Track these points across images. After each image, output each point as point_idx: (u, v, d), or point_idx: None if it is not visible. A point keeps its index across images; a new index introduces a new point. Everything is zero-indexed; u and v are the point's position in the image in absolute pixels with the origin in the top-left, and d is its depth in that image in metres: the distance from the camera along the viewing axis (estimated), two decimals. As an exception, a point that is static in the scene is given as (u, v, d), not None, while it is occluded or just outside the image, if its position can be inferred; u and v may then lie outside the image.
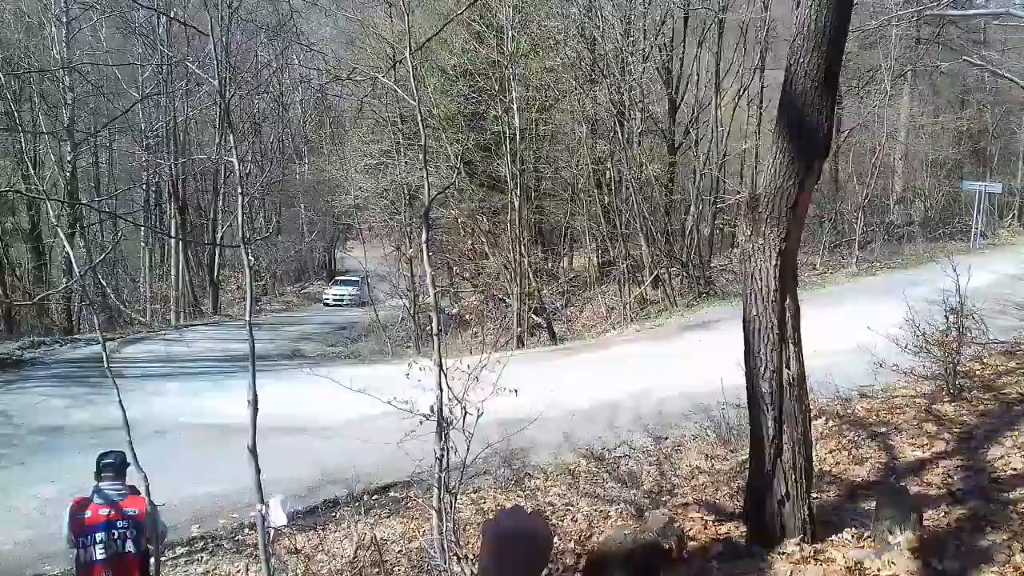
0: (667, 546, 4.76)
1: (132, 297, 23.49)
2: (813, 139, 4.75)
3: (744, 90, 26.48)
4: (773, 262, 4.82)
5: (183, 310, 25.04)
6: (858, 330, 10.93)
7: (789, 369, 4.85)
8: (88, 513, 5.23)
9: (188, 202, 25.77)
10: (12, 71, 19.59)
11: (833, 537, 4.80)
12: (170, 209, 24.63)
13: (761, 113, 27.04)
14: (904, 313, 9.32)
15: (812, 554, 4.52)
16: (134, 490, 5.44)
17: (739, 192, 26.54)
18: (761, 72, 26.09)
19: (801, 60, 4.65)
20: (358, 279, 32.07)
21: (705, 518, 6.11)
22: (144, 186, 24.83)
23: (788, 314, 4.89)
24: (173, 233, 23.52)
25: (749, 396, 5.01)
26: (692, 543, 5.31)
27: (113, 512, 5.25)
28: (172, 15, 20.56)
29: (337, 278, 30.60)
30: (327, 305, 32.56)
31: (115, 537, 5.22)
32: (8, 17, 22.96)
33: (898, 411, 8.57)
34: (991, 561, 4.24)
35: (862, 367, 10.13)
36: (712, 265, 25.26)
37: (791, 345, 4.89)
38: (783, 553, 4.55)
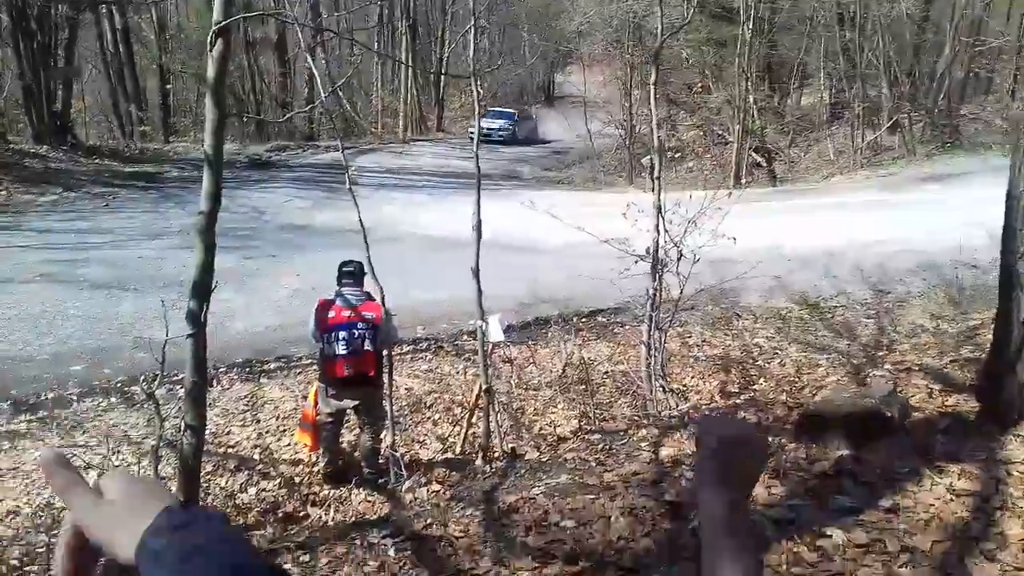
0: (889, 413, 4.67)
1: (364, 110, 24.63)
2: None
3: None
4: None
5: (410, 126, 26.09)
6: None
7: (1053, 250, 4.41)
8: (332, 313, 5.84)
9: (418, 20, 26.16)
10: None
11: (1077, 426, 4.51)
12: (401, 26, 25.11)
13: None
14: None
15: (1051, 441, 4.29)
16: (371, 296, 5.98)
17: (1005, 35, 23.40)
18: None
19: None
20: (514, 112, 29.61)
21: (930, 386, 5.89)
22: (378, 3, 25.37)
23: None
24: (403, 56, 24.08)
25: (1002, 272, 4.64)
26: (916, 413, 5.17)
27: (353, 315, 5.83)
28: None
29: (490, 109, 28.14)
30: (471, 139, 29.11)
31: (355, 336, 5.83)
32: None
33: None
34: None
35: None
36: (961, 113, 22.82)
37: (1058, 228, 4.43)
38: (1019, 435, 4.34)
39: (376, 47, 25.74)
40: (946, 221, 11.73)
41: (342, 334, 5.81)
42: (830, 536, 3.48)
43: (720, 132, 22.66)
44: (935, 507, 3.78)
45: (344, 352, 5.82)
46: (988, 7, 22.66)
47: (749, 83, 21.33)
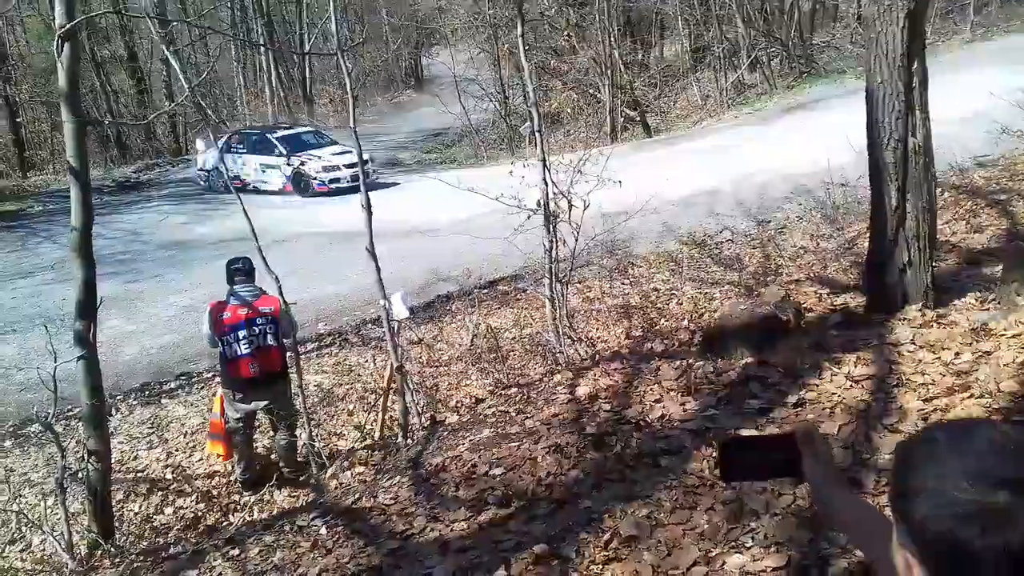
0: (784, 317, 4.86)
1: (230, 116, 23.87)
2: None
3: None
4: (900, 24, 4.53)
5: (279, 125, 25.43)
6: (973, 99, 10.33)
7: (915, 137, 4.67)
8: (227, 314, 5.67)
9: (272, 16, 25.47)
10: None
11: (955, 302, 4.80)
12: (257, 26, 24.40)
13: None
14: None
15: (935, 318, 4.55)
16: (265, 291, 5.84)
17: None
18: None
19: None
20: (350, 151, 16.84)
21: (819, 292, 6.15)
22: (229, 3, 24.54)
23: (915, 80, 4.65)
24: (266, 44, 23.44)
25: (871, 167, 4.87)
26: (809, 314, 5.40)
27: (250, 311, 5.67)
28: None
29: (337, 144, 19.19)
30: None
31: (256, 332, 5.68)
32: None
33: (1020, 177, 8.23)
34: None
35: (978, 136, 9.66)
36: (814, 43, 23.79)
37: (917, 112, 4.68)
38: (904, 319, 4.59)
39: (233, 51, 24.97)
40: (812, 146, 12.22)
41: (242, 333, 5.65)
42: (746, 436, 3.60)
43: (591, 92, 22.94)
44: (837, 395, 3.96)
45: (247, 351, 5.66)
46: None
47: (612, 39, 21.64)
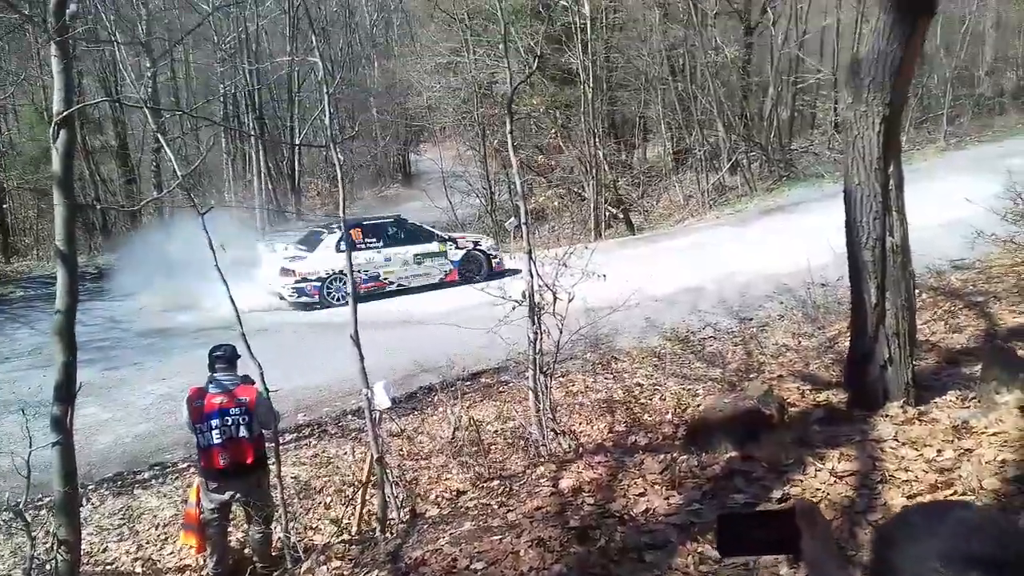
0: (768, 412, 4.87)
1: (218, 205, 24.10)
2: (919, -3, 4.57)
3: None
4: (876, 129, 4.72)
5: (267, 217, 25.55)
6: (949, 205, 10.62)
7: (892, 237, 4.79)
8: (203, 401, 5.59)
9: (264, 112, 26.06)
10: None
11: (936, 400, 4.83)
12: (248, 120, 24.94)
13: (843, -15, 25.65)
14: (999, 184, 9.05)
15: (916, 415, 4.58)
16: (247, 379, 5.78)
17: (820, 72, 25.52)
18: (844, -59, 24.69)
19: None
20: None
21: (801, 388, 6.18)
22: (222, 98, 25.13)
23: (892, 182, 4.81)
24: (253, 151, 23.95)
25: (851, 266, 4.99)
26: (792, 409, 5.41)
27: (227, 400, 5.60)
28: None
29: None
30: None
31: (229, 423, 5.58)
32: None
33: (996, 280, 8.40)
34: (1101, 417, 4.22)
35: (955, 241, 9.90)
36: (792, 148, 24.55)
37: (895, 212, 4.82)
38: (886, 415, 4.61)
39: (224, 143, 25.40)
40: (792, 246, 12.45)
41: (215, 422, 5.56)
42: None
43: (576, 190, 23.44)
44: (821, 490, 3.94)
45: (218, 441, 5.56)
46: (801, 46, 24.61)
47: (597, 140, 22.24)
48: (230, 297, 5.62)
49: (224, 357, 5.80)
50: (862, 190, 4.77)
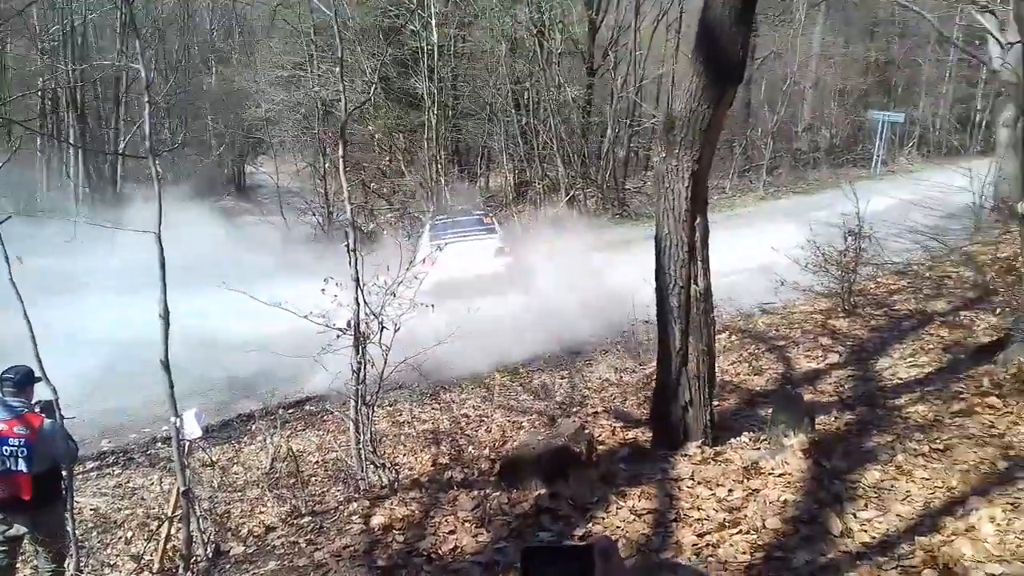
0: (577, 449, 5.01)
1: (28, 209, 22.20)
2: (728, 66, 4.88)
3: (663, 15, 26.56)
4: (685, 183, 4.99)
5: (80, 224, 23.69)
6: (763, 251, 11.37)
7: (697, 285, 5.08)
8: (-16, 428, 5.12)
9: (87, 111, 24.38)
10: None
11: (732, 440, 5.14)
12: (68, 118, 23.24)
13: (679, 39, 27.11)
14: (806, 235, 9.76)
15: (712, 455, 4.85)
16: (39, 406, 5.34)
17: (655, 116, 26.83)
18: (681, -3, 26.21)
19: (719, -14, 4.74)
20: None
21: (613, 425, 6.42)
22: (40, 93, 23.33)
23: (698, 233, 5.10)
24: (73, 143, 22.26)
25: (658, 310, 5.24)
26: (601, 447, 5.59)
27: (6, 428, 5.13)
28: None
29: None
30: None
31: (7, 454, 5.10)
32: None
33: (796, 326, 9.04)
34: (875, 460, 4.61)
35: (766, 285, 10.57)
36: (627, 187, 25.60)
37: (699, 262, 5.11)
38: (686, 455, 4.86)
39: (38, 142, 23.54)
40: (618, 283, 12.90)
41: None
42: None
43: (416, 215, 23.43)
44: (621, 528, 4.09)
45: None
46: (639, 92, 25.80)
47: (439, 166, 22.38)
48: (24, 315, 5.22)
49: (13, 380, 5.33)
50: (671, 239, 5.03)
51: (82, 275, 17.26)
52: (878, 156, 28.70)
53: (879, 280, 10.61)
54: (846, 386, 6.54)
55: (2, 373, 5.39)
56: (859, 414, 5.60)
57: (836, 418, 5.55)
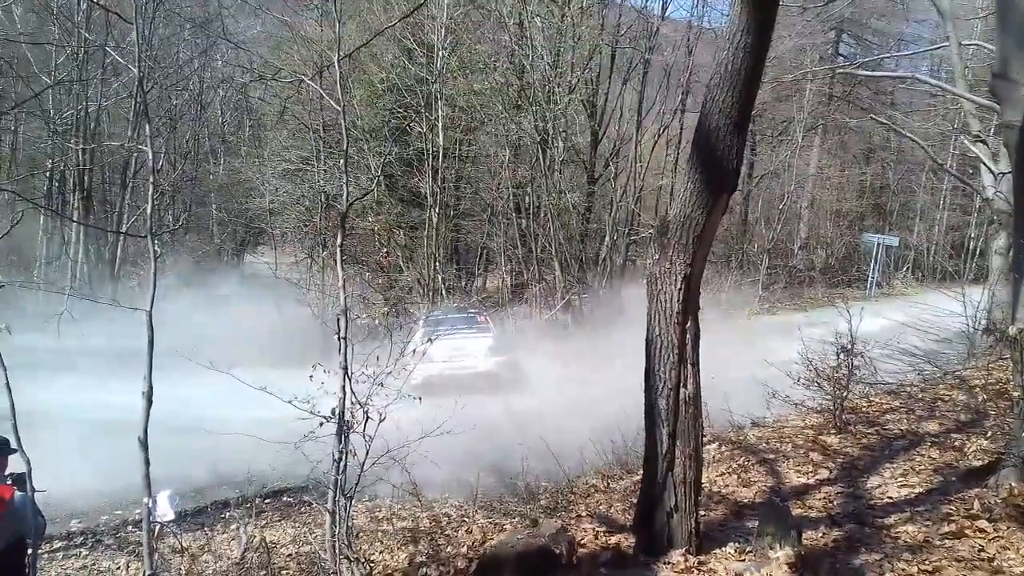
0: (558, 551, 4.87)
1: (25, 282, 22.26)
2: (723, 174, 4.98)
3: (664, 129, 27.31)
4: (678, 286, 5.02)
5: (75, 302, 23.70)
6: (755, 364, 11.33)
7: (686, 388, 5.04)
8: (-46, 499, 4.96)
9: (93, 194, 24.75)
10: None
11: (717, 551, 5.00)
12: (74, 199, 23.54)
13: (679, 153, 27.89)
14: (799, 350, 9.75)
15: (696, 564, 4.70)
16: (11, 478, 5.19)
17: (653, 226, 27.29)
18: (682, 114, 27.10)
19: (717, 98, 4.89)
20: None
21: (596, 529, 6.24)
22: (48, 173, 23.75)
23: (688, 336, 5.09)
24: (76, 219, 22.51)
25: (647, 412, 5.18)
26: (583, 550, 5.43)
27: (-26, 501, 4.98)
28: (94, -1, 19.91)
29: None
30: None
31: None
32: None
33: (787, 440, 8.92)
34: (862, 579, 4.48)
35: (757, 397, 10.50)
36: (622, 294, 25.79)
37: (689, 365, 5.08)
38: (668, 563, 4.71)
39: (41, 220, 23.82)
40: (610, 387, 12.83)
41: None
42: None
43: (411, 310, 23.49)
44: (597, 636, 3.92)
45: None
46: (638, 202, 26.30)
47: (437, 264, 22.60)
48: (6, 384, 5.13)
49: None
50: (661, 340, 5.02)
51: (68, 353, 17.18)
52: (873, 278, 29.08)
53: (872, 399, 10.54)
54: (835, 502, 6.40)
55: None
56: (847, 531, 5.47)
57: (824, 534, 5.42)
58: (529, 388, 15.23)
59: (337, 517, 6.54)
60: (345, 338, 6.94)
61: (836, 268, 32.51)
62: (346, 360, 6.61)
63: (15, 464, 5.21)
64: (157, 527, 5.77)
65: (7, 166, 25.51)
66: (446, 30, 22.80)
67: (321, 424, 6.64)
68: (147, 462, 5.37)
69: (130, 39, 17.16)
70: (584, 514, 7.17)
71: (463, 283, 26.76)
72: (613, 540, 5.82)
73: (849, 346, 9.27)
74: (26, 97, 20.31)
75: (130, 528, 8.52)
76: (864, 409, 9.92)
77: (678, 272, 5.01)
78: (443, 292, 22.77)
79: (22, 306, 18.69)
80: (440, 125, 22.71)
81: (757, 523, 5.17)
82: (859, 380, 9.88)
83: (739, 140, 4.98)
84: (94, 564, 7.76)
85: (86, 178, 23.96)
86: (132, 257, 24.51)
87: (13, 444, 5.04)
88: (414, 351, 7.58)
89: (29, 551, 5.21)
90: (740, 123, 4.94)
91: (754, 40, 4.75)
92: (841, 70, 25.36)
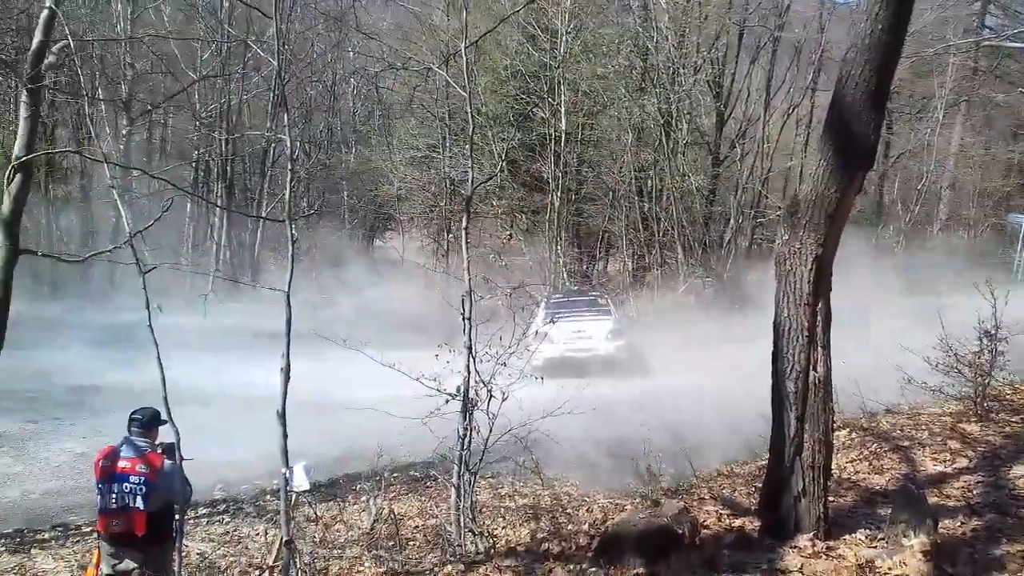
0: (680, 531, 4.86)
1: (173, 271, 23.78)
2: (858, 151, 4.82)
3: (794, 108, 26.37)
4: (809, 267, 4.89)
5: (222, 285, 25.16)
6: (891, 348, 10.86)
7: (816, 371, 4.91)
8: (109, 463, 5.38)
9: (235, 182, 26.21)
10: (79, 39, 20.07)
11: (846, 536, 4.87)
12: (217, 187, 25.03)
13: (809, 133, 26.85)
14: (938, 335, 9.29)
15: (824, 549, 4.60)
16: (161, 447, 5.57)
17: (780, 208, 26.43)
18: (813, 92, 26.03)
19: (853, 72, 4.72)
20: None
21: (720, 511, 6.19)
22: (194, 163, 25.32)
23: (819, 317, 4.95)
24: (220, 205, 23.97)
25: (774, 396, 5.08)
26: (705, 531, 5.40)
27: (130, 465, 5.37)
28: (235, -4, 20.98)
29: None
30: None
31: (127, 490, 5.30)
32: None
33: (923, 427, 8.54)
34: (1003, 570, 4.28)
35: (892, 383, 10.07)
36: (747, 278, 25.17)
37: (819, 348, 4.95)
38: (795, 547, 4.63)
39: (188, 208, 25.37)
40: (735, 373, 12.59)
41: (114, 486, 5.33)
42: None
43: (533, 293, 23.68)
44: (720, 615, 3.90)
45: (113, 507, 5.32)
46: (766, 184, 25.53)
47: (559, 247, 22.67)
48: (158, 360, 5.50)
49: (140, 421, 5.61)
50: (790, 323, 4.91)
51: (212, 332, 18.14)
52: (1020, 260, 27.23)
53: (1018, 387, 9.93)
54: (975, 491, 6.10)
55: (131, 413, 5.70)
56: (988, 521, 5.21)
57: (962, 523, 5.18)
58: (650, 372, 15.10)
59: (462, 491, 6.73)
60: (470, 319, 7.10)
61: (979, 251, 30.62)
62: (471, 340, 6.77)
63: (165, 435, 5.62)
64: (293, 496, 6.05)
65: (158, 156, 27.23)
66: (570, 15, 22.77)
67: (447, 401, 6.83)
68: (285, 434, 5.67)
69: (270, 34, 17.96)
70: (707, 496, 7.10)
71: (584, 266, 26.73)
72: (737, 523, 5.75)
73: (993, 330, 8.76)
74: (175, 91, 21.58)
75: (268, 497, 8.96)
76: (1008, 397, 9.37)
77: (809, 252, 4.88)
78: (564, 275, 22.82)
79: (171, 288, 19.87)
80: (563, 110, 22.75)
81: (890, 510, 5.00)
82: (1003, 365, 9.32)
83: (877, 116, 4.81)
84: (235, 530, 8.21)
85: (228, 167, 25.41)
86: (270, 242, 25.83)
87: (163, 416, 5.44)
88: (536, 332, 7.67)
89: (177, 516, 5.62)
90: (878, 98, 4.76)
91: (893, 11, 4.56)
92: (987, 42, 23.82)
